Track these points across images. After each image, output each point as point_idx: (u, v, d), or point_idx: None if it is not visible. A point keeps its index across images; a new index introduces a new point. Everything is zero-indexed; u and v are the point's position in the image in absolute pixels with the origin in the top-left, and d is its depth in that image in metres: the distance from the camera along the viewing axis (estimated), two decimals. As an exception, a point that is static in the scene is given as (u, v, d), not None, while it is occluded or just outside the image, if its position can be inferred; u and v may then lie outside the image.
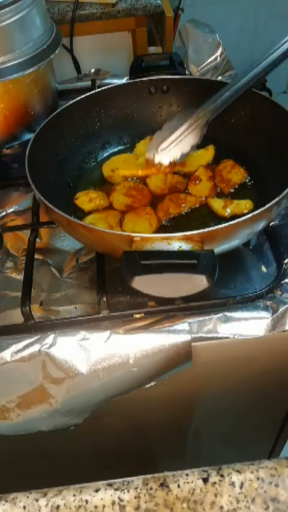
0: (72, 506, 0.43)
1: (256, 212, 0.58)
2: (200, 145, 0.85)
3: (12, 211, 0.84)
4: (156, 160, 0.71)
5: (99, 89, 0.86)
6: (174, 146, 0.71)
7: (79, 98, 0.83)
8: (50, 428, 0.66)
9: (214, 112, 0.72)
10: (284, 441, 0.94)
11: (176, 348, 0.62)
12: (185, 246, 0.55)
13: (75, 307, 0.68)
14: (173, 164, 0.71)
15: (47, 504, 0.43)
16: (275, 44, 0.69)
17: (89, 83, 1.07)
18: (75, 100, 0.82)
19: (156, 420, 0.80)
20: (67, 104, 0.81)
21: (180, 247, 0.55)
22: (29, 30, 0.80)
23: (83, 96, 0.83)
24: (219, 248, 0.60)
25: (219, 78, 1.06)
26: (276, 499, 0.42)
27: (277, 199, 0.58)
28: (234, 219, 0.57)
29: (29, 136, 0.75)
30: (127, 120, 0.88)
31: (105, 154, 0.88)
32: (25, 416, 0.64)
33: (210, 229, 0.55)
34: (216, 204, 0.74)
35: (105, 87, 0.86)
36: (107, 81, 1.11)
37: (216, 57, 1.08)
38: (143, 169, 0.78)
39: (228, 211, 0.72)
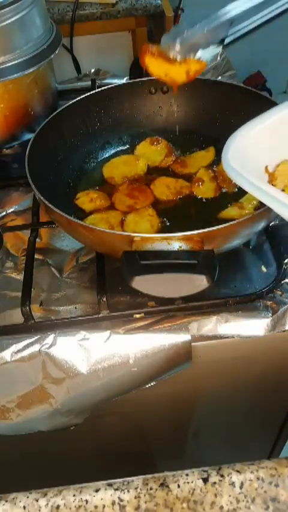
0: (72, 506, 0.43)
1: (256, 212, 0.58)
2: (200, 147, 0.85)
3: (12, 211, 0.84)
4: (171, 53, 0.66)
5: (99, 89, 0.86)
6: (191, 39, 0.65)
7: (79, 98, 0.83)
8: (50, 428, 0.66)
9: (235, 15, 0.65)
10: (284, 441, 0.94)
11: (176, 348, 0.62)
12: (185, 246, 0.55)
13: (75, 307, 0.68)
14: (185, 60, 0.67)
15: (47, 504, 0.43)
16: None
17: (89, 83, 1.07)
18: (75, 100, 0.82)
19: (156, 420, 0.80)
20: (67, 104, 0.81)
21: (180, 247, 0.55)
22: (29, 30, 0.80)
23: (83, 96, 0.83)
24: (219, 248, 0.60)
25: (219, 78, 1.06)
26: (276, 499, 0.42)
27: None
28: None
29: (29, 136, 0.75)
30: (127, 120, 0.88)
31: (106, 155, 0.88)
32: (25, 416, 0.64)
33: (210, 229, 0.55)
34: (234, 212, 0.73)
35: (105, 87, 0.86)
36: (107, 81, 1.11)
37: (216, 57, 1.08)
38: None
39: (246, 212, 0.72)
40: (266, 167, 0.58)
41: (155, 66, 0.68)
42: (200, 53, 0.68)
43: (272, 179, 0.58)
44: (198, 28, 0.65)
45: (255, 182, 0.51)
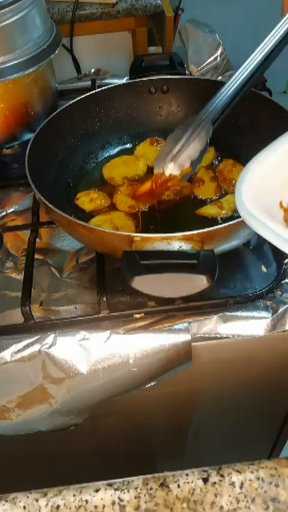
0: (72, 506, 0.43)
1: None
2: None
3: (12, 211, 0.84)
4: (167, 173, 0.70)
5: (99, 89, 0.86)
6: (181, 154, 0.69)
7: (79, 98, 0.83)
8: (50, 428, 0.66)
9: (215, 114, 0.71)
10: (284, 441, 0.94)
11: (176, 348, 0.62)
12: (185, 246, 0.55)
13: (75, 307, 0.68)
14: (184, 173, 0.69)
15: (47, 504, 0.43)
16: (268, 36, 0.68)
17: (89, 83, 1.07)
18: (75, 100, 0.82)
19: (156, 420, 0.80)
20: (67, 104, 0.81)
21: (180, 247, 0.55)
22: (29, 30, 0.80)
23: (83, 96, 0.83)
24: (219, 248, 0.60)
25: (219, 78, 1.06)
26: (276, 499, 0.42)
27: (277, 199, 0.58)
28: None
29: (29, 136, 0.75)
30: (127, 120, 0.88)
31: (106, 155, 0.88)
32: (25, 416, 0.64)
33: (210, 229, 0.55)
34: (212, 210, 0.74)
35: (105, 87, 0.86)
36: (107, 81, 1.11)
37: (216, 57, 1.08)
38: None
39: (224, 212, 0.73)
40: (280, 203, 0.53)
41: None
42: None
43: (287, 216, 0.52)
44: (183, 141, 0.68)
45: (273, 227, 0.46)
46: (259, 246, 0.74)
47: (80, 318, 0.65)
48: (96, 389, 0.63)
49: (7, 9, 0.75)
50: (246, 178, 0.52)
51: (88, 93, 0.84)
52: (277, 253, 0.72)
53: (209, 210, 0.74)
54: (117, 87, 0.87)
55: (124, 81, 1.09)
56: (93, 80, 1.07)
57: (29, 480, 0.85)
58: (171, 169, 0.70)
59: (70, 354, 0.62)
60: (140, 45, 1.37)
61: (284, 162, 0.55)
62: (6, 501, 0.44)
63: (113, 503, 0.43)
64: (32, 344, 0.62)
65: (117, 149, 0.89)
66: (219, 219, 0.73)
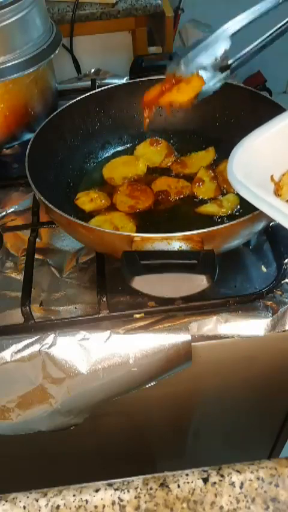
0: (72, 506, 0.43)
1: (256, 212, 0.58)
2: (200, 147, 0.85)
3: (12, 211, 0.84)
4: (178, 73, 0.69)
5: (99, 89, 0.86)
6: (194, 60, 0.69)
7: (79, 98, 0.83)
8: (50, 428, 0.67)
9: (235, 30, 0.70)
10: (284, 441, 0.94)
11: (176, 348, 0.62)
12: (185, 246, 0.55)
13: (75, 307, 0.68)
14: (195, 86, 0.68)
15: (47, 504, 0.43)
16: None
17: (89, 83, 1.07)
18: (75, 100, 0.82)
19: (156, 420, 0.80)
20: (67, 104, 0.81)
21: (180, 247, 0.55)
22: (29, 30, 0.80)
23: (83, 96, 0.83)
24: (219, 248, 0.60)
25: (219, 78, 1.06)
26: (276, 499, 0.42)
27: (277, 199, 0.58)
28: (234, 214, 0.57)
29: (29, 136, 0.75)
30: (127, 120, 0.88)
31: (106, 155, 0.88)
32: (25, 416, 0.64)
33: (210, 229, 0.55)
34: (212, 208, 0.74)
35: (105, 87, 0.86)
36: (107, 81, 1.11)
37: (217, 58, 1.08)
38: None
39: (223, 210, 0.73)
40: (272, 176, 0.57)
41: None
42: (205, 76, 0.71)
43: (277, 189, 0.56)
44: (200, 48, 0.68)
45: (260, 194, 0.50)
46: (259, 246, 0.74)
47: (80, 318, 0.65)
48: (96, 389, 0.63)
49: (7, 9, 0.75)
50: (238, 152, 0.56)
51: (88, 93, 0.84)
52: (277, 253, 0.72)
53: (208, 208, 0.74)
54: (117, 87, 0.87)
55: (124, 81, 1.09)
56: (93, 80, 1.07)
57: (29, 480, 0.85)
58: (182, 71, 0.69)
59: (70, 354, 0.62)
60: (140, 45, 1.37)
61: (275, 139, 0.58)
62: (6, 501, 0.44)
63: (113, 503, 0.43)
64: (32, 344, 0.62)
65: (117, 149, 0.88)
66: (219, 218, 0.73)
